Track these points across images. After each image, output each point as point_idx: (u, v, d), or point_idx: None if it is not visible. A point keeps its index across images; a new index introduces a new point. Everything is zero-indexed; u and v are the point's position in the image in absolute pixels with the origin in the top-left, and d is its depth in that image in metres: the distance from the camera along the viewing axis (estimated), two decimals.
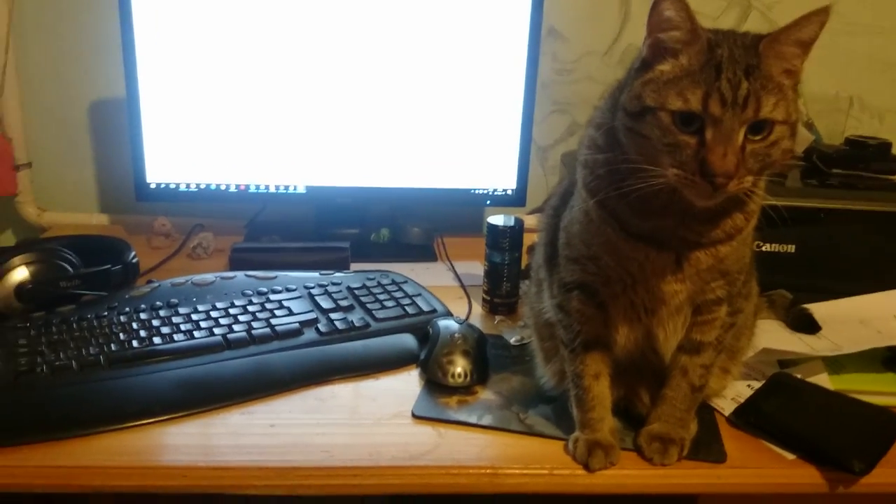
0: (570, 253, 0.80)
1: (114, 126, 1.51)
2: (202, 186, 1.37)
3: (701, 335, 0.80)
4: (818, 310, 1.09)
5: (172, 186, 1.37)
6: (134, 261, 1.19)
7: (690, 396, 0.81)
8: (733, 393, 0.92)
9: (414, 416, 0.87)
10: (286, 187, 1.38)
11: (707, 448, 0.82)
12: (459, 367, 0.92)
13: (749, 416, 0.87)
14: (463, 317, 1.14)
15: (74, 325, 0.97)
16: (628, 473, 0.79)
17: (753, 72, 0.66)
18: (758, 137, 0.66)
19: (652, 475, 0.79)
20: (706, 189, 0.66)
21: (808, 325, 1.07)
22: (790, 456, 0.82)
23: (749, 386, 0.94)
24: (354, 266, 1.31)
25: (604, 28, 1.52)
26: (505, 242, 1.13)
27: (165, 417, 0.84)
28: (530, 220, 1.31)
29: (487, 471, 0.78)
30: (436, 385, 0.92)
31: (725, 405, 0.90)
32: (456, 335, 0.95)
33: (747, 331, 0.90)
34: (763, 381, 0.94)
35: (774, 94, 0.66)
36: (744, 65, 0.66)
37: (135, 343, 0.94)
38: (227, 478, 0.77)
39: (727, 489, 0.80)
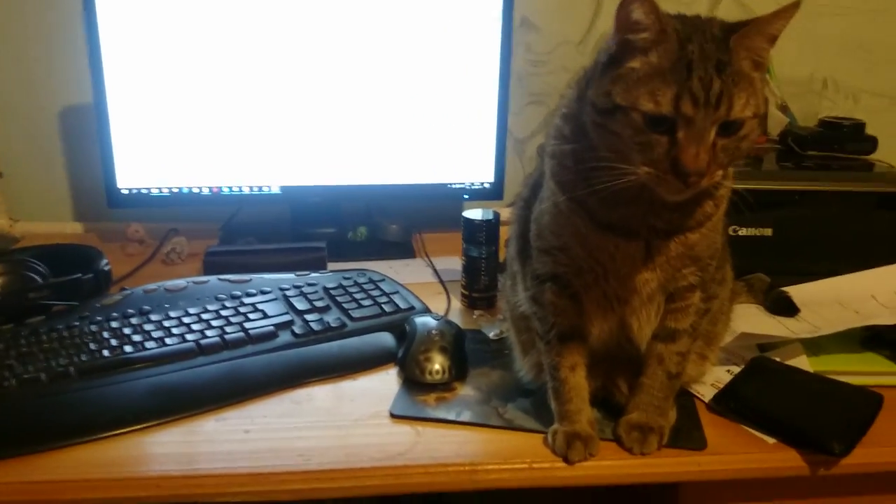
0: (541, 244, 0.79)
1: (85, 132, 1.48)
2: (175, 190, 1.35)
3: (675, 322, 0.79)
4: (796, 292, 1.09)
5: (144, 192, 1.35)
6: (106, 269, 1.17)
7: (667, 384, 0.80)
8: (712, 378, 0.92)
9: (392, 415, 0.86)
10: (260, 188, 1.36)
11: (687, 435, 0.82)
12: (437, 363, 0.91)
13: (729, 402, 0.86)
14: (442, 313, 1.13)
15: (44, 337, 0.95)
16: (608, 464, 0.78)
17: (724, 68, 0.65)
18: (729, 133, 0.66)
19: (632, 465, 0.79)
20: (678, 185, 0.66)
21: (787, 308, 1.07)
22: (771, 440, 0.81)
23: (728, 371, 0.93)
24: (332, 265, 1.29)
25: (577, 18, 1.51)
26: (481, 236, 1.12)
27: (138, 427, 0.82)
28: (507, 213, 1.30)
29: (466, 467, 0.77)
30: (414, 383, 0.91)
31: (705, 391, 0.90)
32: (433, 332, 0.94)
33: (723, 316, 0.89)
34: (742, 366, 0.93)
35: (745, 91, 0.65)
36: (714, 60, 0.64)
37: (105, 352, 0.92)
38: (203, 486, 0.75)
39: (708, 476, 0.79)
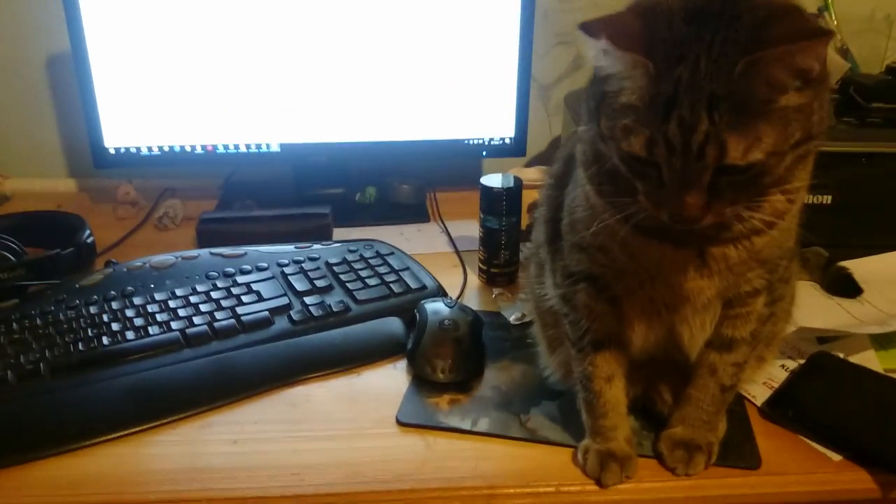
0: (575, 239, 0.66)
1: (74, 83, 1.36)
2: (166, 150, 1.23)
3: (733, 330, 0.66)
4: (858, 268, 0.96)
5: (133, 151, 1.23)
6: (88, 241, 1.07)
7: (720, 397, 0.68)
8: (765, 376, 0.80)
9: (399, 422, 0.75)
10: (258, 146, 1.24)
11: (738, 451, 0.71)
12: (450, 359, 0.80)
13: (786, 409, 0.75)
14: (457, 289, 1.02)
15: (15, 326, 0.85)
16: (647, 487, 0.68)
17: (721, 104, 0.49)
18: (735, 172, 0.52)
19: (674, 487, 0.68)
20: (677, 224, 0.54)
21: (848, 288, 0.94)
22: (836, 457, 0.70)
23: (783, 367, 0.82)
24: (338, 231, 1.18)
25: None
26: (501, 206, 0.99)
27: (113, 436, 0.73)
28: (531, 174, 1.17)
29: (484, 491, 0.67)
30: (424, 381, 0.81)
31: (756, 391, 0.79)
32: (446, 322, 0.83)
33: (784, 313, 0.77)
34: (799, 361, 0.82)
35: (752, 130, 0.50)
36: (707, 93, 0.49)
37: (80, 346, 0.82)
38: None
39: (762, 500, 0.69)
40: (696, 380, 0.69)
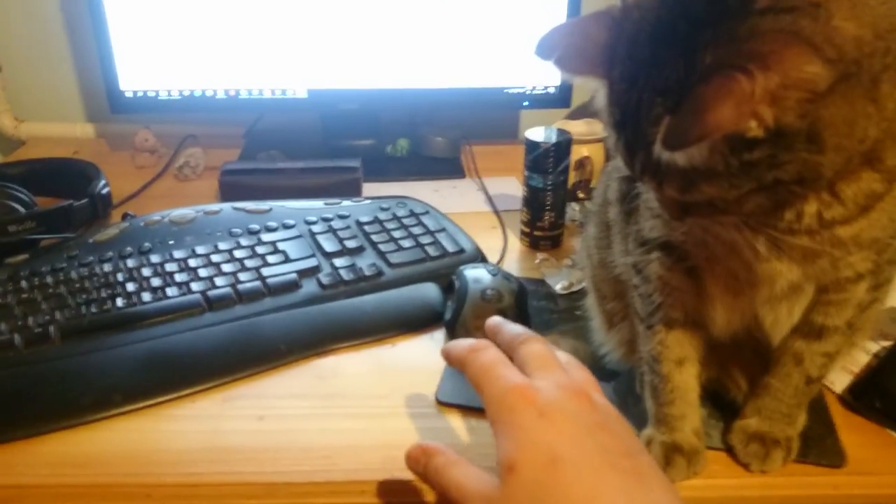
0: (652, 202, 0.57)
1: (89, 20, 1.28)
2: (186, 94, 1.15)
3: (825, 318, 0.57)
4: None
5: (151, 95, 1.15)
6: (104, 192, 1.00)
7: (803, 389, 0.60)
8: (846, 359, 0.72)
9: (438, 401, 0.69)
10: (284, 92, 1.15)
11: (819, 446, 0.63)
12: None
13: (872, 399, 0.67)
14: (497, 253, 0.94)
15: (23, 284, 0.79)
16: (717, 484, 0.61)
17: (649, 145, 0.45)
18: None
19: (748, 485, 0.61)
20: None
21: None
22: None
23: (864, 349, 0.74)
24: (368, 186, 1.10)
25: None
26: (548, 163, 0.91)
27: (126, 409, 0.67)
28: (577, 128, 1.08)
29: None
30: None
31: (835, 377, 0.71)
32: (489, 292, 0.76)
33: (884, 295, 0.67)
34: (882, 343, 0.73)
35: (683, 178, 0.45)
36: (641, 135, 0.45)
37: (93, 307, 0.76)
38: (202, 497, 0.60)
39: (846, 501, 0.61)
40: (777, 368, 0.60)
